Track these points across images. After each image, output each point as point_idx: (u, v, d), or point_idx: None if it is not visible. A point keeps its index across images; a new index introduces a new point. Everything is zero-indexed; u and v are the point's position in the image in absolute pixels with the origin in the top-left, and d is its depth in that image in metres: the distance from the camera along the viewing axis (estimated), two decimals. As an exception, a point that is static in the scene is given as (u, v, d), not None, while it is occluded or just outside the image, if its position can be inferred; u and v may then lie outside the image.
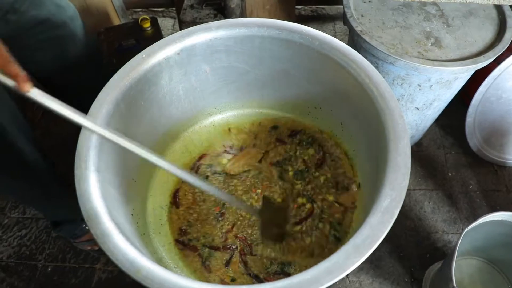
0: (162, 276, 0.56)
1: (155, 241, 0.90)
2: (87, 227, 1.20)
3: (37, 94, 0.53)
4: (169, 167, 0.69)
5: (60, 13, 0.92)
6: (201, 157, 1.05)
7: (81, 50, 1.01)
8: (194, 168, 1.03)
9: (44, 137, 1.52)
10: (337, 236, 0.89)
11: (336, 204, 0.94)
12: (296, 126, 1.07)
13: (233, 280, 0.87)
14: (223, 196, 0.86)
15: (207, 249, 0.91)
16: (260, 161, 1.03)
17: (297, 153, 1.03)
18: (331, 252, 0.79)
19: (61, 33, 0.94)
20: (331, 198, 0.95)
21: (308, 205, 0.95)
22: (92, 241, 1.22)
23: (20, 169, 0.94)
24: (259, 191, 0.98)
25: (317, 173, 0.99)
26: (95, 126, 0.59)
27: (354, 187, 0.94)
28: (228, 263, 0.89)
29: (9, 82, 0.51)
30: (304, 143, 1.04)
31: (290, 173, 1.00)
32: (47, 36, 0.92)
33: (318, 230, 0.91)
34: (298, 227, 0.92)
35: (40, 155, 0.97)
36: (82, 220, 1.18)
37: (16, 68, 0.51)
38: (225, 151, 1.06)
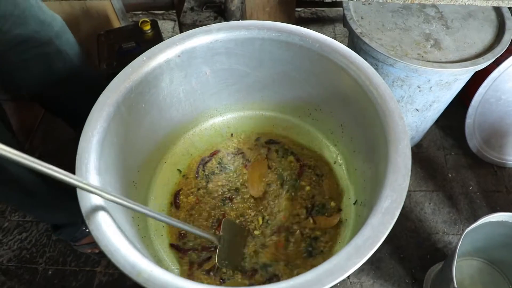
0: (163, 278, 0.56)
1: (156, 244, 0.91)
2: (87, 230, 1.20)
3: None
4: (154, 215, 0.68)
5: (45, 30, 0.90)
6: (213, 153, 1.06)
7: (69, 64, 0.99)
8: (202, 163, 1.04)
9: (43, 142, 1.53)
10: (310, 252, 0.90)
11: (310, 220, 0.94)
12: (277, 137, 1.10)
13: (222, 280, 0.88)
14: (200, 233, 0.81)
15: (198, 253, 0.92)
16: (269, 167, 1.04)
17: (281, 161, 1.05)
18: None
19: (46, 50, 0.92)
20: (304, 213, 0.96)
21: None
22: (93, 244, 1.22)
23: (11, 184, 0.91)
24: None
25: (302, 183, 1.00)
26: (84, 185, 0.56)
27: (333, 210, 0.95)
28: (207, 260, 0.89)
29: None
30: (281, 153, 1.06)
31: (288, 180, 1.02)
32: (33, 54, 0.91)
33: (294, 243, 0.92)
34: (275, 237, 0.92)
35: (28, 171, 0.95)
36: (82, 223, 1.18)
37: None
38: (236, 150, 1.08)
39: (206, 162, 1.05)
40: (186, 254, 0.91)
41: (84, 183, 0.54)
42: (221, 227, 0.87)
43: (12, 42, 0.86)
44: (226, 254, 0.84)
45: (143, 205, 0.90)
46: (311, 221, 0.93)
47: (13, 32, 0.85)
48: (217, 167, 1.04)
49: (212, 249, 0.91)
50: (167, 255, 0.90)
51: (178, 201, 0.98)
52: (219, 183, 1.02)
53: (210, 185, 1.01)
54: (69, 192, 1.08)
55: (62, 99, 1.07)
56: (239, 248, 0.90)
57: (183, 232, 0.94)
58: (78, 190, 0.64)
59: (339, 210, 0.94)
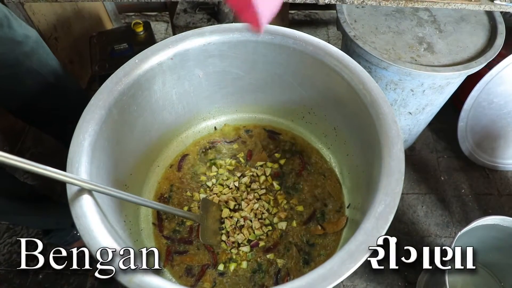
0: (155, 284, 0.56)
1: (148, 248, 0.90)
2: (78, 234, 1.18)
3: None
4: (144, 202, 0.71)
5: (14, 50, 0.88)
6: (213, 142, 1.07)
7: (42, 83, 0.97)
8: (207, 148, 1.06)
9: (34, 144, 1.51)
10: (306, 259, 0.89)
11: (319, 227, 0.92)
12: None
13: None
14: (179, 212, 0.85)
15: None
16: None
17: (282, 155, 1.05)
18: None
19: (15, 71, 0.90)
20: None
21: (282, 223, 0.93)
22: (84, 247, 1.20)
23: None
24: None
25: (301, 184, 0.99)
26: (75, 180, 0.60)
27: (338, 212, 0.94)
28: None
29: None
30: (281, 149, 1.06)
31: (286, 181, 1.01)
32: (2, 74, 0.89)
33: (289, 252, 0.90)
34: (271, 255, 0.89)
35: (12, 192, 0.94)
36: (73, 226, 1.17)
37: None
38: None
39: (210, 148, 1.06)
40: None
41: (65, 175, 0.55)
42: (200, 206, 0.90)
43: None
44: (207, 231, 0.87)
45: (135, 206, 0.92)
46: (320, 227, 0.92)
47: None
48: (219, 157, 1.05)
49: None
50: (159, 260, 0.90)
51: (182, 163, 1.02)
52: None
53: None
54: (48, 203, 1.07)
55: (39, 116, 1.05)
56: (216, 225, 0.92)
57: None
58: (69, 195, 0.63)
59: (337, 211, 0.94)
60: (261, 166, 1.01)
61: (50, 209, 1.08)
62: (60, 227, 1.16)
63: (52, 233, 1.17)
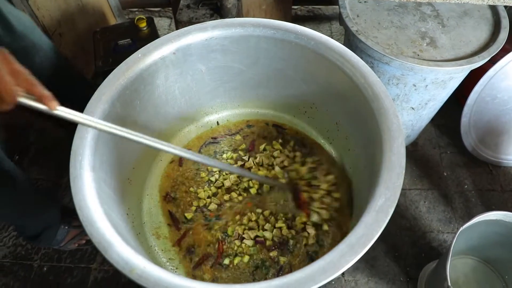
0: (157, 275, 0.56)
1: (151, 240, 0.90)
2: (66, 227, 1.18)
3: (62, 111, 0.57)
4: (169, 149, 0.69)
5: (18, 25, 0.91)
6: (216, 137, 1.08)
7: (46, 60, 0.99)
8: (210, 142, 1.07)
9: (39, 138, 1.52)
10: (312, 257, 0.89)
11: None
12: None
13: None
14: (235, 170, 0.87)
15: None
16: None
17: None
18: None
19: (22, 44, 0.92)
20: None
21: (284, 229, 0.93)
22: (76, 237, 1.21)
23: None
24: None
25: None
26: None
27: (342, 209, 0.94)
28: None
29: (39, 105, 0.54)
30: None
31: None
32: (17, 46, 0.91)
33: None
34: (274, 252, 0.90)
35: (19, 171, 0.95)
36: (60, 222, 1.16)
37: (41, 89, 0.53)
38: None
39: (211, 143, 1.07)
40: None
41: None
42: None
43: None
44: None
45: (138, 199, 0.93)
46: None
47: None
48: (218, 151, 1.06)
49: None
50: (162, 252, 0.90)
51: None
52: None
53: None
54: (50, 198, 1.06)
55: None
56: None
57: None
58: (72, 186, 0.64)
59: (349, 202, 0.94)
60: (264, 150, 1.03)
61: (45, 208, 1.07)
62: (47, 226, 1.14)
63: (39, 237, 1.15)
